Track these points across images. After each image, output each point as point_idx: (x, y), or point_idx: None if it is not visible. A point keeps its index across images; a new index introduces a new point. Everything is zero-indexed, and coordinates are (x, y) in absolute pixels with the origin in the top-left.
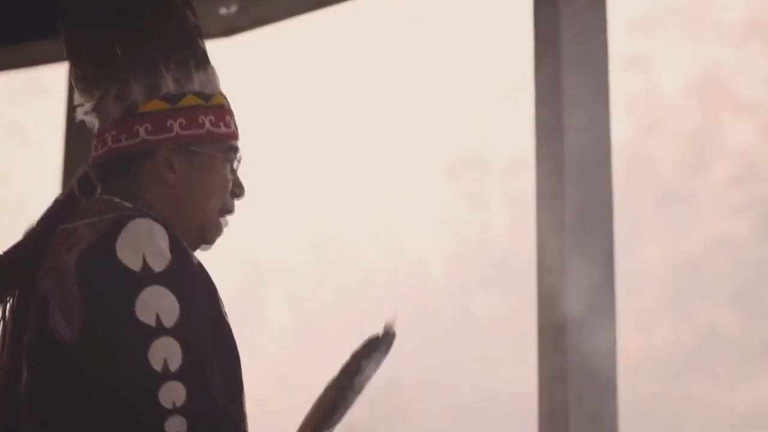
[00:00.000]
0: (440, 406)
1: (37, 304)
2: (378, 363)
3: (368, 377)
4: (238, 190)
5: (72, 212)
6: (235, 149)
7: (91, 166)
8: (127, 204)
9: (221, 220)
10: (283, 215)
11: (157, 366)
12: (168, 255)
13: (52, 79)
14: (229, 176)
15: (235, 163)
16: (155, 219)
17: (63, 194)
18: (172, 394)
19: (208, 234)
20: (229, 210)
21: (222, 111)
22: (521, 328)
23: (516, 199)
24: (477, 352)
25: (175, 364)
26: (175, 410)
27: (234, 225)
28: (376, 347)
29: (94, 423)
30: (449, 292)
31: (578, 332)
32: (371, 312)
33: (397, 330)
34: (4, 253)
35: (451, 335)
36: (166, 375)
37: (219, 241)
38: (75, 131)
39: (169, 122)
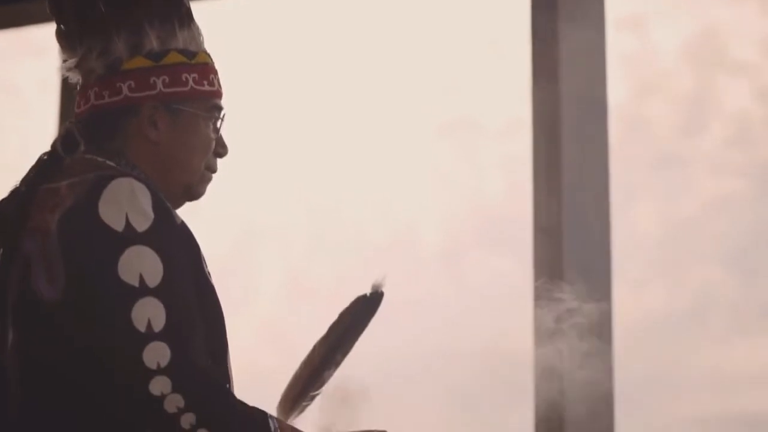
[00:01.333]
0: (433, 367)
1: (20, 264)
2: (366, 322)
3: (356, 336)
4: (221, 150)
5: (55, 171)
6: (219, 108)
7: (75, 124)
8: (110, 163)
9: (206, 173)
10: (275, 176)
11: (141, 326)
12: (151, 214)
13: (46, 39)
14: (212, 135)
15: (219, 122)
16: (138, 178)
17: (46, 153)
18: (157, 354)
19: (194, 189)
20: (212, 169)
21: (206, 69)
22: (516, 290)
23: (511, 160)
24: (471, 314)
25: (159, 325)
26: (160, 371)
27: (226, 186)
28: (364, 306)
29: (78, 382)
30: (443, 253)
31: (574, 294)
32: (364, 272)
33: (390, 290)
34: None
35: (445, 296)
36: (150, 335)
37: (211, 201)
38: (70, 92)
39: (152, 79)
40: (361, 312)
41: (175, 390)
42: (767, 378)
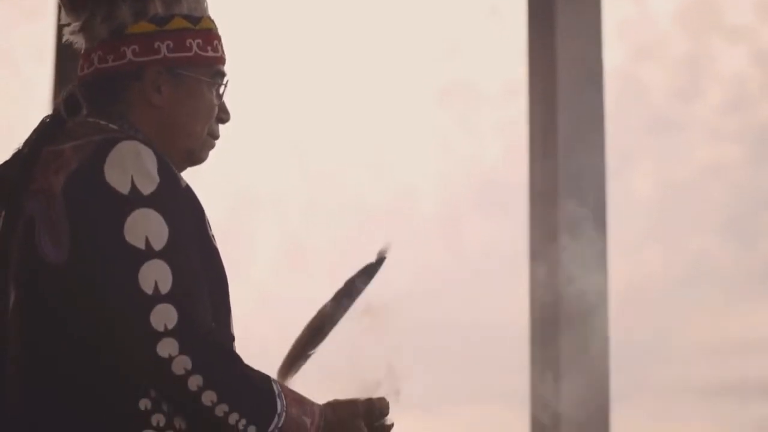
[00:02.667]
0: (430, 331)
1: (24, 226)
2: (365, 285)
3: (355, 298)
4: (223, 115)
5: (58, 134)
6: (222, 74)
7: (78, 87)
8: (113, 126)
9: (209, 139)
10: (273, 140)
11: (148, 289)
12: (156, 177)
13: (40, 3)
14: (215, 101)
15: (222, 88)
16: (142, 141)
17: (49, 115)
18: (164, 316)
19: (197, 154)
20: (215, 135)
21: (210, 35)
22: (513, 254)
23: (508, 125)
24: (468, 277)
25: (165, 287)
26: (167, 333)
27: (224, 150)
28: (370, 273)
29: (82, 345)
30: (440, 217)
31: (570, 259)
32: (361, 237)
33: (388, 252)
34: None
35: (442, 260)
36: (156, 298)
37: (209, 166)
38: (64, 56)
39: (156, 44)
40: (365, 277)
41: (182, 352)
42: (763, 344)
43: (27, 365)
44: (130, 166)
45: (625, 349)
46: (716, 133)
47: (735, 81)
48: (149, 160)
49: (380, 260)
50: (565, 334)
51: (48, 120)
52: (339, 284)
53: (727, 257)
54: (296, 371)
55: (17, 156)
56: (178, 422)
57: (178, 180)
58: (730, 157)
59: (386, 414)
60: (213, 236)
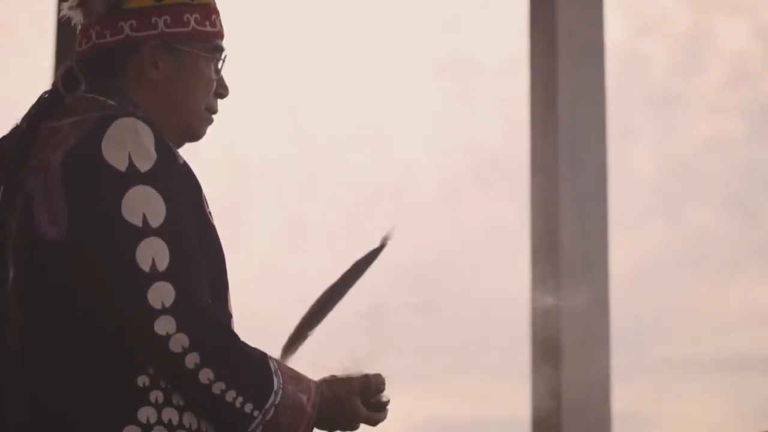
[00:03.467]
0: (431, 305)
1: (22, 202)
2: (368, 267)
3: (357, 279)
4: (222, 90)
5: (57, 110)
6: (220, 49)
7: (76, 63)
8: (112, 102)
9: (207, 115)
10: (272, 116)
11: (145, 266)
12: (154, 155)
13: None
14: (214, 76)
15: (220, 63)
16: (140, 118)
17: (47, 91)
18: (161, 294)
19: (195, 130)
20: (213, 110)
21: (208, 9)
22: (513, 231)
23: (508, 100)
24: (468, 253)
25: (162, 264)
26: (164, 310)
27: (224, 127)
28: (372, 258)
29: (80, 322)
30: (440, 193)
31: (571, 235)
32: (360, 213)
33: (387, 227)
34: None
35: (442, 237)
36: (154, 275)
37: (208, 142)
38: (66, 31)
39: (153, 19)
40: (368, 261)
41: (180, 330)
42: (763, 319)
43: (26, 342)
44: (128, 143)
45: (627, 326)
46: (717, 109)
47: (736, 57)
48: (147, 137)
49: (383, 246)
50: (565, 309)
51: (46, 96)
52: (338, 259)
53: (728, 232)
54: (294, 352)
55: (15, 132)
56: (177, 399)
57: (175, 157)
58: (731, 133)
59: (382, 390)
60: (210, 213)
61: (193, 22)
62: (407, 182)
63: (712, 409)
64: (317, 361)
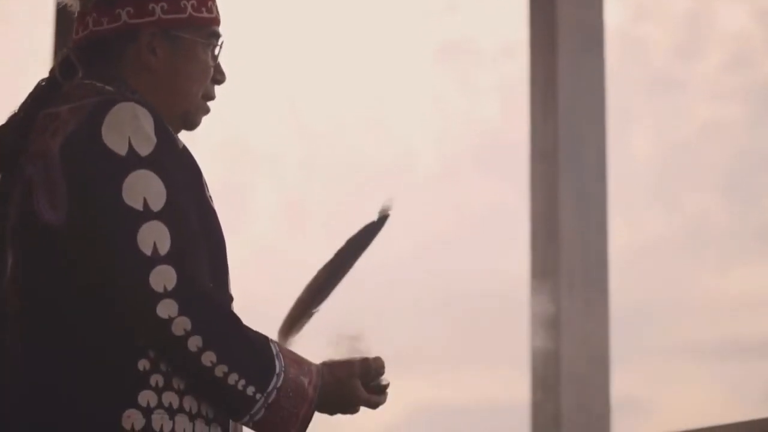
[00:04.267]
0: (430, 288)
1: (21, 189)
2: (368, 242)
3: (358, 256)
4: (219, 76)
5: (54, 97)
6: (217, 35)
7: (73, 50)
8: (110, 88)
9: (204, 103)
10: (271, 99)
11: (147, 250)
12: (153, 139)
13: None
14: (211, 62)
15: (217, 49)
16: (139, 102)
17: (45, 79)
18: (163, 277)
19: (192, 117)
20: (210, 96)
21: None
22: (513, 214)
23: (508, 83)
24: (468, 235)
25: (164, 248)
26: (166, 294)
27: (222, 109)
28: (372, 232)
29: (80, 306)
30: (439, 176)
31: (570, 219)
32: (359, 195)
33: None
34: None
35: (442, 219)
36: (156, 259)
37: (207, 125)
38: (64, 17)
39: (151, 6)
40: (367, 235)
41: (182, 313)
42: (762, 303)
43: (26, 327)
44: (128, 127)
45: (626, 309)
46: (717, 93)
47: (736, 40)
48: (146, 121)
49: (383, 218)
50: (565, 293)
51: (43, 83)
52: (337, 242)
53: (728, 216)
54: (299, 331)
55: (13, 119)
56: (177, 382)
57: (175, 141)
58: (730, 117)
59: (382, 374)
60: (210, 197)
61: (190, 9)
62: (406, 165)
63: (711, 394)
64: (315, 342)
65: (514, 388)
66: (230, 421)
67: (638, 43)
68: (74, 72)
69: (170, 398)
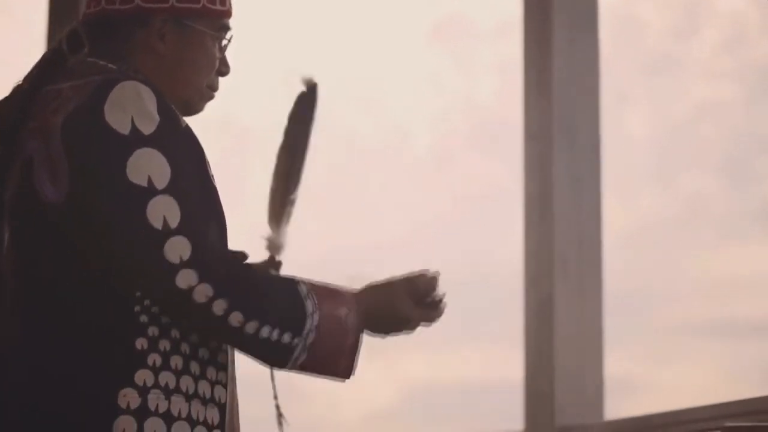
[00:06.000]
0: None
1: (22, 165)
2: (312, 112)
3: (309, 128)
4: (224, 69)
5: (58, 72)
6: (227, 28)
7: (82, 25)
8: (113, 67)
9: (207, 92)
10: (265, 79)
11: (158, 224)
12: (156, 117)
13: None
14: (218, 54)
15: (225, 42)
16: (142, 81)
17: (50, 50)
18: (178, 248)
19: (193, 105)
20: (214, 87)
21: None
22: (507, 192)
23: (502, 63)
24: (462, 215)
25: (174, 221)
26: (183, 264)
27: (218, 90)
28: (305, 101)
29: (78, 283)
30: (433, 155)
31: (564, 199)
32: (355, 175)
33: (383, 190)
34: None
35: (436, 198)
36: (168, 231)
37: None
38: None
39: None
40: (304, 107)
41: (202, 280)
42: (757, 284)
43: (23, 304)
44: (131, 106)
45: (621, 290)
46: (713, 73)
47: (732, 20)
48: (149, 100)
49: (311, 87)
50: (559, 274)
51: (48, 55)
52: (332, 222)
53: (722, 197)
54: (288, 219)
55: (17, 91)
56: (174, 362)
57: (178, 120)
58: (726, 97)
59: (433, 289)
60: (212, 176)
61: (203, 0)
62: (401, 144)
63: (705, 373)
64: None
65: (509, 368)
66: (227, 401)
67: (633, 22)
68: (81, 46)
69: (167, 378)
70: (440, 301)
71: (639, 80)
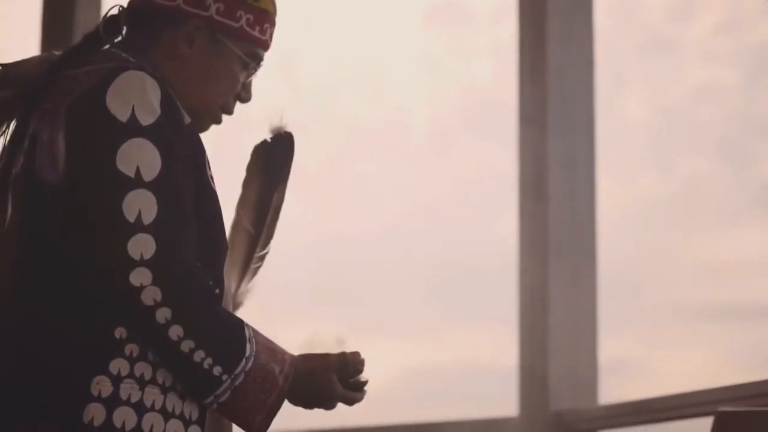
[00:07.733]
0: (419, 251)
1: (30, 144)
2: (288, 164)
3: (284, 180)
4: (245, 95)
5: (85, 57)
6: (259, 59)
7: (125, 9)
8: (127, 56)
9: (218, 113)
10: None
11: (131, 217)
12: (157, 110)
13: None
14: (241, 79)
15: (251, 70)
16: (150, 74)
17: (86, 34)
18: (141, 246)
19: (200, 120)
20: (228, 111)
21: (264, 16)
22: (502, 175)
23: (498, 46)
24: (457, 198)
25: (148, 218)
26: (142, 262)
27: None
28: (278, 151)
29: (66, 267)
30: (429, 138)
31: (559, 182)
32: (351, 159)
33: (379, 173)
34: (22, 60)
35: (431, 181)
36: (137, 227)
37: None
38: None
39: (209, 1)
40: (275, 159)
41: (154, 283)
42: (754, 266)
43: (17, 283)
44: (133, 95)
45: (616, 273)
46: (710, 55)
47: (730, 2)
48: (153, 93)
49: (283, 135)
50: (553, 257)
51: (87, 34)
52: (329, 206)
53: (720, 180)
54: (253, 275)
55: (48, 58)
56: (152, 354)
57: (180, 116)
58: (723, 80)
59: (360, 370)
60: (212, 177)
61: (243, 21)
62: (397, 127)
63: (701, 357)
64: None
65: (503, 351)
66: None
67: (629, 4)
68: (118, 31)
69: (143, 369)
70: (364, 383)
71: (635, 62)
